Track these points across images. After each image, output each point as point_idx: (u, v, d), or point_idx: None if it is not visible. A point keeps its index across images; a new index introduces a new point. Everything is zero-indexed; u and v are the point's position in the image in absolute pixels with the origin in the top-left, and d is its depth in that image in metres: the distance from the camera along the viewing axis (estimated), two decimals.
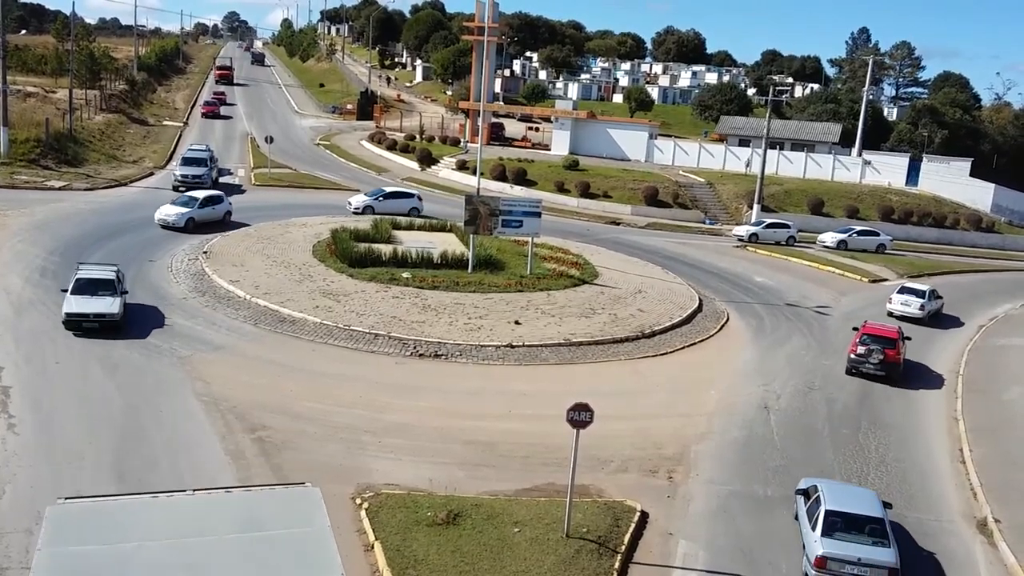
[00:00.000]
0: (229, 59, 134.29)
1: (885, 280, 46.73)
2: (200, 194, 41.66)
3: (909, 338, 32.10)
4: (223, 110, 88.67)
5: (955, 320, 39.43)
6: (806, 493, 19.34)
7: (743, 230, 54.80)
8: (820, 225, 58.47)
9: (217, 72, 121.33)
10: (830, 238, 54.78)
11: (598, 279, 37.95)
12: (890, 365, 29.57)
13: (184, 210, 40.12)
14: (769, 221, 55.71)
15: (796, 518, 19.22)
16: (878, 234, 56.14)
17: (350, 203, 48.67)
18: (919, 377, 30.73)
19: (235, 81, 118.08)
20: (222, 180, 54.38)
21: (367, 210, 47.40)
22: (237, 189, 52.71)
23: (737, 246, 52.48)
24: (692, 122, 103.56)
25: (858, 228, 56.70)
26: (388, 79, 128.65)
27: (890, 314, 37.82)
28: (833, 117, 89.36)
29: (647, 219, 58.39)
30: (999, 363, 32.82)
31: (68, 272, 31.68)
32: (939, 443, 25.28)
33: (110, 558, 10.67)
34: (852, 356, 30.04)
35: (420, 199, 50.08)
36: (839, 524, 17.68)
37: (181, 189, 48.86)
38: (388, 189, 51.31)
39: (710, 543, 18.57)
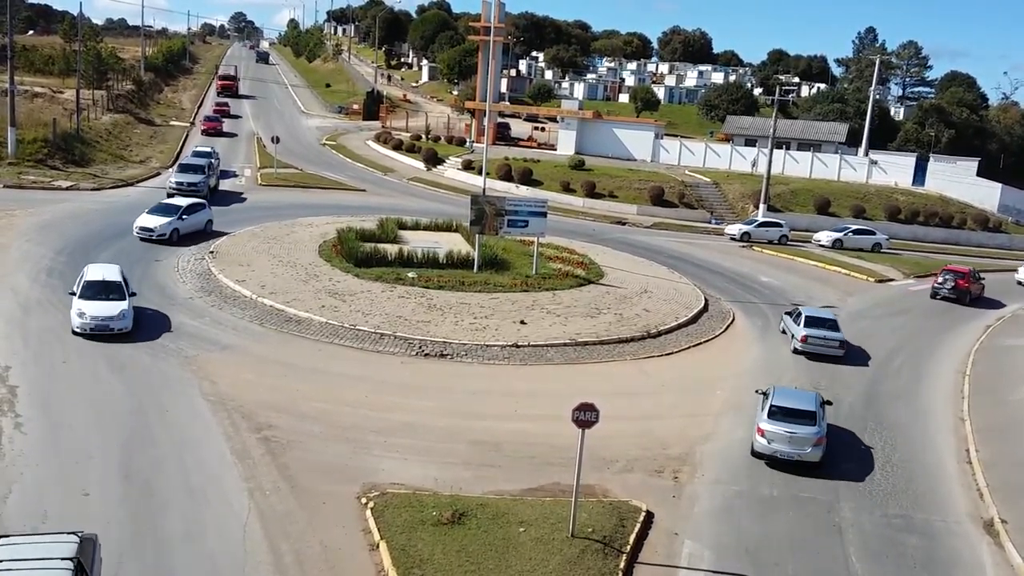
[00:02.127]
0: (234, 67, 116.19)
1: (892, 280, 46.66)
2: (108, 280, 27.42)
3: (983, 278, 43.88)
4: (227, 125, 77.53)
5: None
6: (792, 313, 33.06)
7: (735, 229, 54.76)
8: (827, 225, 58.25)
9: (219, 83, 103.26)
10: (826, 237, 54.69)
11: (604, 279, 37.93)
12: (960, 291, 41.96)
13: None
14: (761, 220, 55.70)
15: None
16: (874, 233, 55.98)
17: (146, 228, 37.52)
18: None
19: (240, 93, 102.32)
20: (225, 183, 53.01)
21: (173, 233, 37.67)
22: (237, 197, 50.02)
23: (743, 246, 52.37)
24: (698, 122, 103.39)
25: (854, 227, 56.51)
26: (388, 77, 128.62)
27: (1019, 283, 48.93)
28: (840, 117, 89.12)
29: (653, 219, 58.32)
30: (1006, 363, 32.70)
31: (74, 272, 31.69)
32: (945, 444, 25.22)
33: None
34: (934, 285, 42.90)
35: (210, 207, 41.55)
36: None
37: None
38: (184, 202, 40.11)
39: (715, 543, 18.57)
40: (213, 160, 52.91)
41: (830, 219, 60.05)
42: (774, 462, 22.28)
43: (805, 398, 23.68)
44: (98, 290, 26.56)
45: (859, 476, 22.50)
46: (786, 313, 34.02)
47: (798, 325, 31.47)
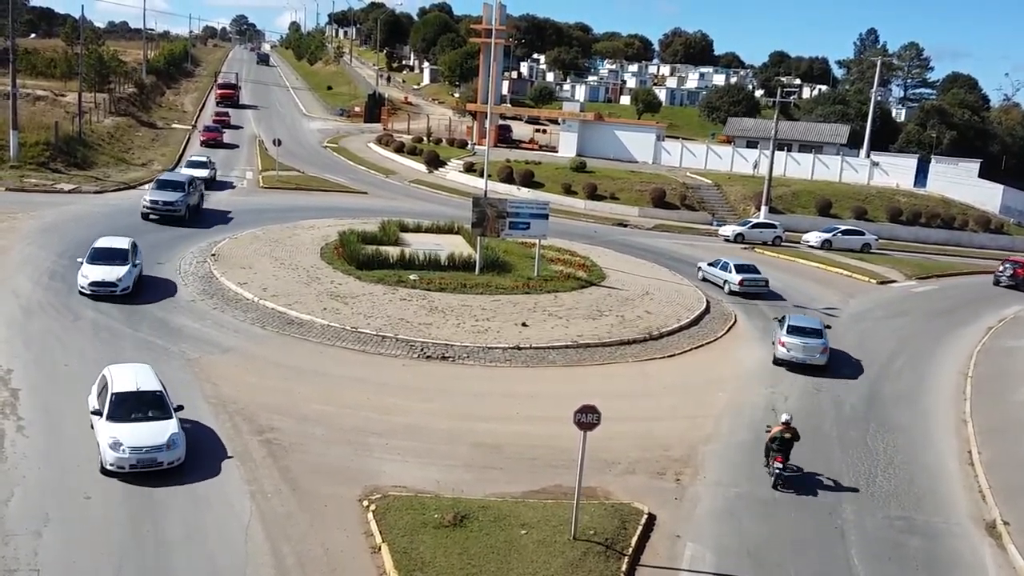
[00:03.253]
0: (235, 74, 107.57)
1: (893, 282, 46.62)
2: None
3: None
4: (227, 136, 73.05)
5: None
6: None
7: (729, 230, 54.76)
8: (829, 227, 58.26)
9: (219, 92, 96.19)
10: (815, 237, 54.65)
11: (605, 281, 37.93)
12: (1019, 279, 47.04)
13: None
14: (755, 221, 55.74)
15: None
16: (863, 233, 55.97)
17: (105, 284, 29.22)
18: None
19: (242, 102, 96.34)
20: (221, 195, 49.92)
21: (134, 283, 29.98)
22: (221, 216, 44.55)
23: (744, 247, 52.32)
24: (699, 124, 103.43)
25: (843, 227, 56.46)
26: (388, 78, 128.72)
27: None
28: (841, 118, 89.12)
29: (654, 221, 58.34)
30: (1008, 365, 32.66)
31: (76, 275, 31.64)
32: (947, 445, 25.19)
33: None
34: (995, 273, 48.44)
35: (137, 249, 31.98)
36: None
37: (152, 217, 41.19)
38: (125, 242, 31.54)
39: (717, 545, 18.56)
40: (200, 171, 50.11)
41: (832, 220, 60.04)
42: (791, 366, 29.52)
43: (813, 321, 31.68)
44: (133, 406, 19.42)
45: (853, 375, 30.05)
46: (709, 264, 41.51)
47: (729, 272, 39.57)
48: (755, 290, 39.26)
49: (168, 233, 39.52)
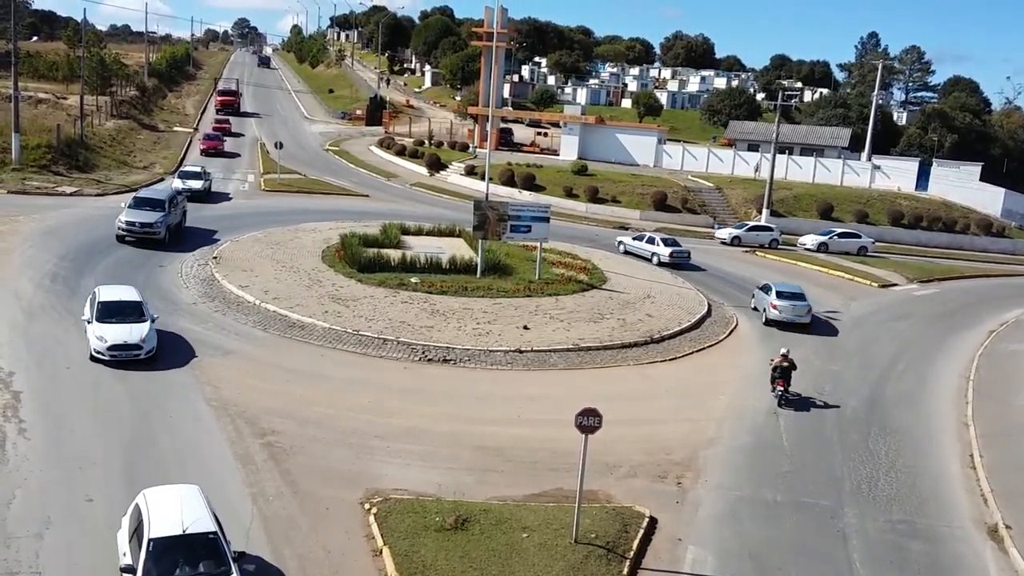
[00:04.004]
0: (235, 80, 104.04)
1: (895, 285, 46.60)
2: None
3: None
4: (228, 144, 70.55)
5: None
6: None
7: (726, 233, 54.82)
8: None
9: (219, 99, 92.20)
10: (811, 240, 54.70)
11: (606, 284, 37.93)
12: None
13: None
14: (751, 224, 55.79)
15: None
16: (860, 236, 56.04)
17: (132, 346, 24.39)
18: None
19: (243, 109, 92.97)
20: (214, 208, 46.90)
21: None
22: (207, 237, 40.00)
23: (746, 251, 52.33)
24: (701, 127, 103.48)
25: (839, 230, 56.52)
26: (388, 81, 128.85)
27: None
28: (842, 122, 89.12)
29: (656, 224, 58.30)
30: (1009, 368, 32.64)
31: (78, 278, 31.75)
32: (949, 448, 25.16)
33: None
34: None
35: None
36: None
37: (128, 240, 36.90)
38: (132, 293, 26.69)
39: (719, 549, 18.53)
40: (194, 182, 47.87)
41: (833, 224, 60.07)
42: (782, 325, 34.62)
43: (797, 287, 36.50)
44: (179, 557, 14.22)
45: (832, 333, 35.41)
46: (633, 238, 47.02)
47: (656, 246, 45.10)
48: (680, 261, 44.47)
49: (141, 253, 36.40)
